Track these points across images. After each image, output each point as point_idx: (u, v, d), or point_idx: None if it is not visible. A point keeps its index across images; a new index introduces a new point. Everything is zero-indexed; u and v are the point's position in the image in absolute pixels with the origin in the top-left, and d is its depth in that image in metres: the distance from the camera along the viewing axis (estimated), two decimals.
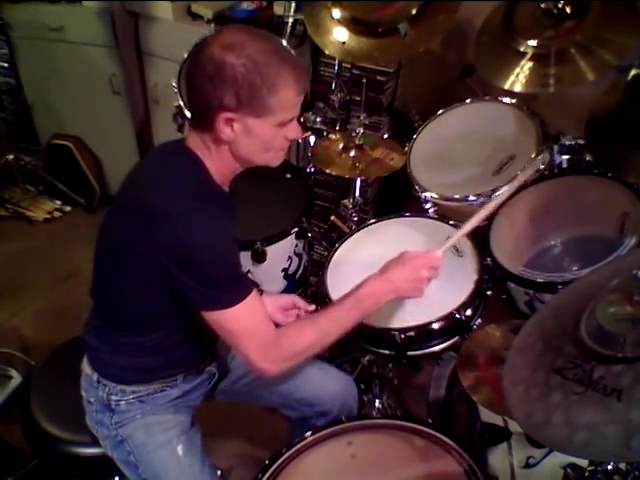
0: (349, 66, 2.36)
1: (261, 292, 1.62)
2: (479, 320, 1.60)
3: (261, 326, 1.30)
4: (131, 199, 1.28)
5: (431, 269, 1.38)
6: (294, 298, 1.63)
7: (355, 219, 2.13)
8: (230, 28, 1.25)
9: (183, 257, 1.19)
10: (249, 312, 1.26)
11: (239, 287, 1.25)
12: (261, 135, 1.23)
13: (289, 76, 1.19)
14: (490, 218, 1.77)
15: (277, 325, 1.37)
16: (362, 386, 2.01)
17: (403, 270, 1.36)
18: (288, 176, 2.14)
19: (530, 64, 1.81)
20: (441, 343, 1.58)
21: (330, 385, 1.61)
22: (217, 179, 1.28)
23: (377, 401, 2.01)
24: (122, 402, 1.40)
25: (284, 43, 2.19)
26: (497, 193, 1.51)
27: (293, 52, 1.40)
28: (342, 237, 1.87)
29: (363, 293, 1.36)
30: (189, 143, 1.27)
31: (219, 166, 1.28)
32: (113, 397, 1.39)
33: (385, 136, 2.24)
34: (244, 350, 1.29)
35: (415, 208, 1.97)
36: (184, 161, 1.26)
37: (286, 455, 1.40)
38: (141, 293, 1.30)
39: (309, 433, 1.43)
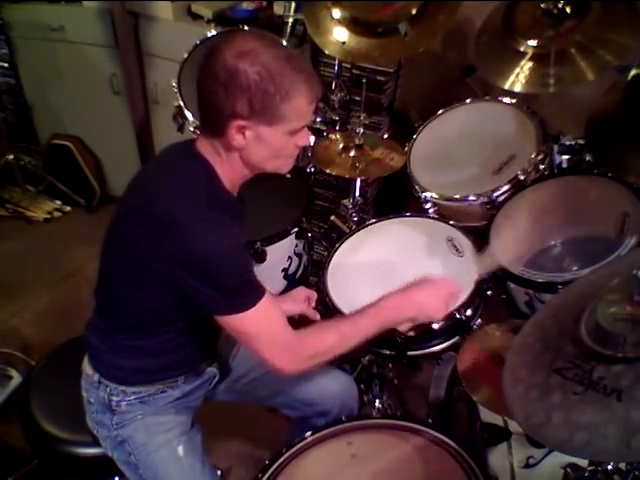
0: (349, 66, 2.36)
1: None
2: (479, 320, 1.61)
3: (275, 328, 1.30)
4: (142, 203, 1.26)
5: (452, 295, 1.44)
6: (304, 306, 1.61)
7: (355, 219, 2.13)
8: (242, 34, 1.26)
9: (196, 266, 1.19)
10: (263, 315, 1.26)
11: (252, 291, 1.26)
12: (272, 143, 1.23)
13: (302, 84, 1.19)
14: (490, 218, 1.77)
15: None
16: (362, 386, 2.00)
17: (425, 287, 1.41)
18: (288, 176, 2.13)
19: (530, 64, 1.81)
20: (441, 343, 1.59)
21: (330, 385, 1.61)
22: (227, 185, 1.28)
23: (377, 401, 2.01)
24: (123, 403, 1.40)
25: (284, 43, 2.19)
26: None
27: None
28: (342, 237, 1.87)
29: (385, 304, 1.37)
30: (199, 148, 1.27)
31: (229, 172, 1.28)
32: (114, 398, 1.39)
33: (385, 136, 2.24)
34: (259, 351, 1.29)
35: (415, 208, 1.97)
36: (196, 167, 1.26)
37: (286, 455, 1.40)
38: (145, 296, 1.29)
39: (309, 433, 1.44)
